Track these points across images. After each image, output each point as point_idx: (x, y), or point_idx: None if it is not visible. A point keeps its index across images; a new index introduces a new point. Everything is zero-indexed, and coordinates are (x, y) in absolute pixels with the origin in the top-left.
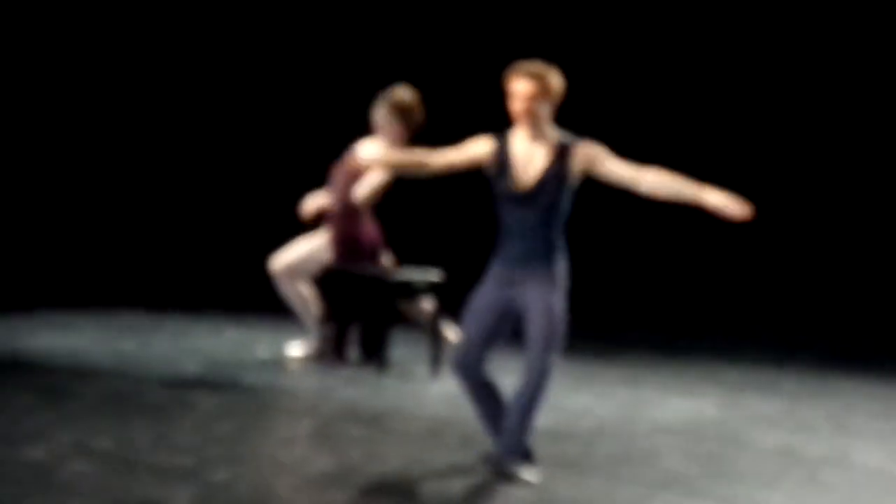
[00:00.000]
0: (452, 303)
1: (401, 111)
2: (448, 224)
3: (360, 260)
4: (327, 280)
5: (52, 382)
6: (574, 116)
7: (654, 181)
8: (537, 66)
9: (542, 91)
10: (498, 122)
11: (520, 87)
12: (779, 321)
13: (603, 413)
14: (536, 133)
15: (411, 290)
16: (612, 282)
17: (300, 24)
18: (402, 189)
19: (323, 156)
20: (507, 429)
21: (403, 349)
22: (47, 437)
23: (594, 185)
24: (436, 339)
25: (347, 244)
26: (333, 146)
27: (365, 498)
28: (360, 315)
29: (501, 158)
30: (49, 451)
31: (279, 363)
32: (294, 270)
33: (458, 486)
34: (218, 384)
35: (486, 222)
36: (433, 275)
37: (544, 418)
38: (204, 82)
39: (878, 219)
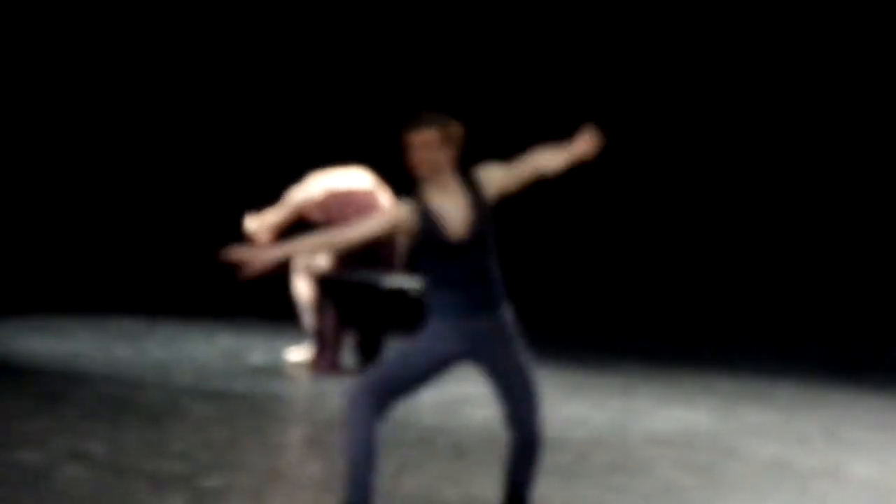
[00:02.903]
0: None
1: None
2: None
3: (370, 266)
4: (323, 287)
5: (47, 387)
6: (573, 116)
7: (549, 159)
8: (434, 115)
9: (444, 138)
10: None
11: (421, 138)
12: (773, 333)
13: (597, 423)
14: (444, 180)
15: (404, 298)
16: (607, 292)
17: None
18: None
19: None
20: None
21: None
22: (42, 442)
23: (590, 200)
24: None
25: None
26: (324, 156)
27: None
28: (355, 322)
29: (425, 213)
30: (43, 456)
31: (272, 370)
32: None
33: (449, 493)
34: (211, 391)
35: None
36: None
37: None
38: (201, 93)
39: (872, 231)
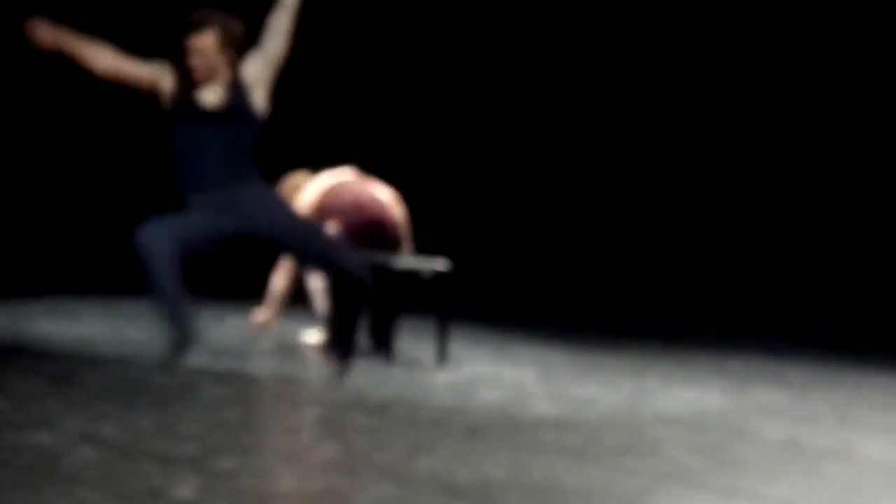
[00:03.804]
0: (459, 292)
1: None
2: (454, 214)
3: (379, 248)
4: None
5: (58, 369)
6: (574, 116)
7: (276, 11)
8: (215, 14)
9: (225, 41)
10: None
11: (201, 42)
12: (785, 312)
13: (607, 403)
14: (218, 80)
15: (417, 279)
16: (617, 271)
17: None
18: (409, 178)
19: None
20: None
21: (410, 338)
22: (53, 424)
23: (602, 180)
24: (443, 328)
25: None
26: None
27: (370, 487)
28: (369, 304)
29: (186, 82)
30: (54, 438)
31: (284, 351)
32: None
33: (463, 474)
34: (223, 372)
35: (494, 212)
36: (439, 264)
37: (548, 407)
38: None
39: (884, 210)
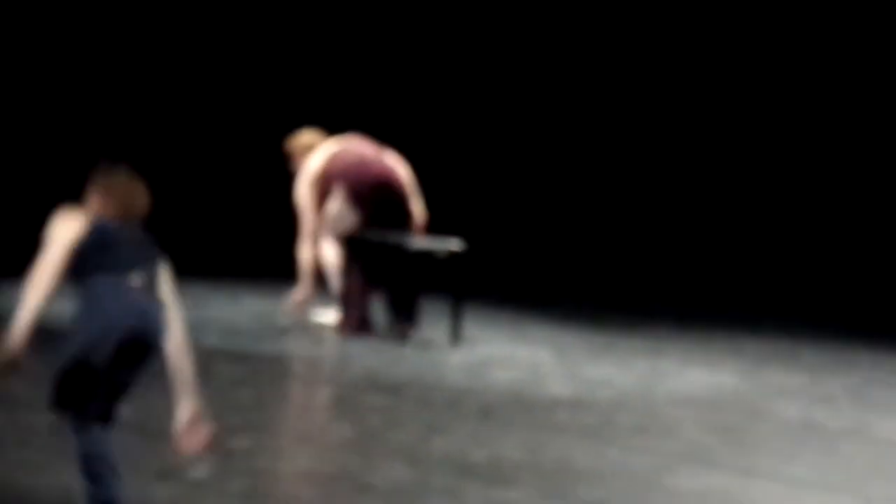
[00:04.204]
0: (473, 273)
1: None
2: (469, 194)
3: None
4: (350, 248)
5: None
6: (593, 97)
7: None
8: (102, 172)
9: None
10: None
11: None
12: (800, 294)
13: (623, 383)
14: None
15: (431, 259)
16: (633, 253)
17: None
18: (424, 159)
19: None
20: None
21: (424, 318)
22: None
23: (617, 158)
24: (457, 308)
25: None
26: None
27: (384, 466)
28: (383, 283)
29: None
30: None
31: (299, 331)
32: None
33: (478, 455)
34: (238, 353)
35: (509, 193)
36: (453, 244)
37: (563, 387)
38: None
39: None
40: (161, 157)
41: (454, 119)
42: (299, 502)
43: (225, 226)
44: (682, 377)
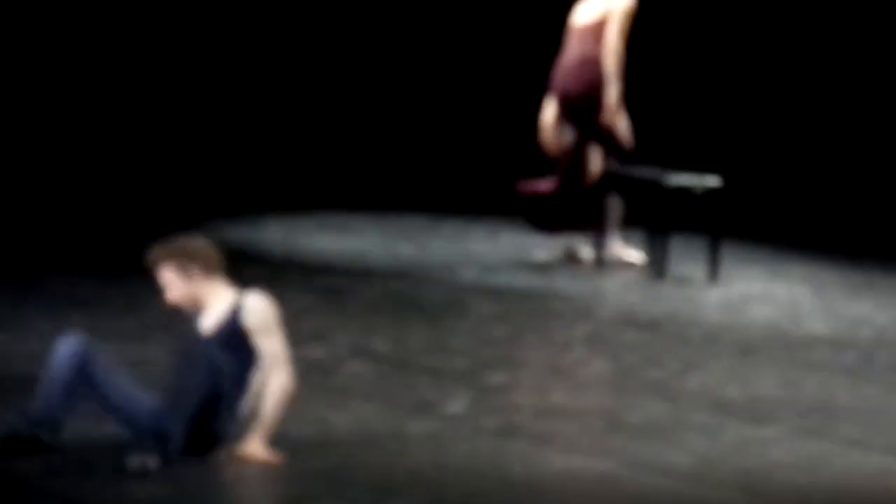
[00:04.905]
0: (731, 209)
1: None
2: (726, 130)
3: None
4: (606, 182)
5: (332, 284)
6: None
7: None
8: (170, 246)
9: (185, 268)
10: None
11: (163, 279)
12: None
13: (882, 322)
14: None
15: (689, 196)
16: (892, 191)
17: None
18: (680, 96)
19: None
20: None
21: (681, 255)
22: (326, 338)
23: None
24: (715, 245)
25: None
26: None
27: (640, 402)
28: (639, 219)
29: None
30: (328, 351)
31: (555, 267)
32: None
33: (734, 392)
34: (494, 288)
35: (767, 129)
36: (711, 181)
37: (821, 325)
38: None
39: None
40: (422, 94)
41: (713, 57)
42: (554, 439)
43: (485, 161)
44: None
